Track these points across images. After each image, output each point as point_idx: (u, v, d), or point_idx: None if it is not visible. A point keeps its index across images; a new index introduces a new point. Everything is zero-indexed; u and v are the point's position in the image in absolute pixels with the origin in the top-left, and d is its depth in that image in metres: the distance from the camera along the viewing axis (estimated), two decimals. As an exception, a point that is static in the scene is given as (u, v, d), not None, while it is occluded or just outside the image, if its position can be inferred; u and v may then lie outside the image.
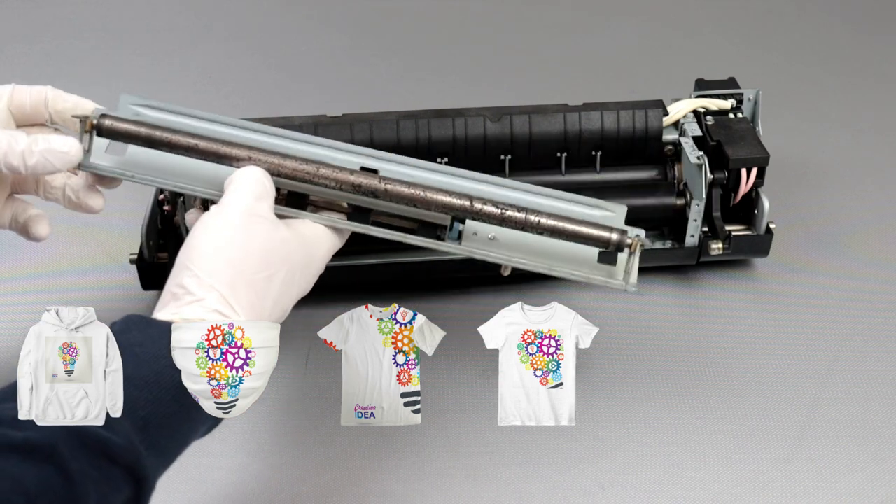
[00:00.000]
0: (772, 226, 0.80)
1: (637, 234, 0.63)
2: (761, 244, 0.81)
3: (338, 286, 0.81)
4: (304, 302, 0.80)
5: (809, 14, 1.29)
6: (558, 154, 0.82)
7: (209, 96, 1.12)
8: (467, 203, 0.63)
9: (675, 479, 0.67)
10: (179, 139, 0.63)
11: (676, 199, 0.81)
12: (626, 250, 0.63)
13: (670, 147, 0.83)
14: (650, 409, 0.72)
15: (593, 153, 0.83)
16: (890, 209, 0.93)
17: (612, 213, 0.64)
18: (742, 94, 0.85)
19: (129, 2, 1.33)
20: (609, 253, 0.64)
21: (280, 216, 0.62)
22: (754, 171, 0.79)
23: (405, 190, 0.63)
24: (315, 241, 0.60)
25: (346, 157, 0.64)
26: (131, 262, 0.77)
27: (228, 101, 1.11)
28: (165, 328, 0.49)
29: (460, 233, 0.65)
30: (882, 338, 0.78)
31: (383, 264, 0.80)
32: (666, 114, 0.82)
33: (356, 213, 0.64)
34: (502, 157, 0.82)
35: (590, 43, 1.23)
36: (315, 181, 0.63)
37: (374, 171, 0.64)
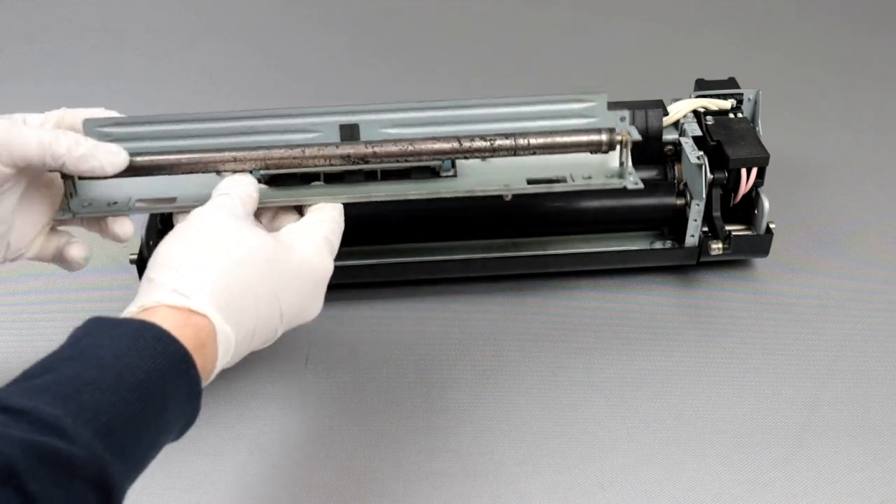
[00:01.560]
0: (772, 226, 0.80)
1: (623, 125, 0.66)
2: (761, 244, 0.81)
3: (338, 286, 0.81)
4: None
5: (809, 14, 1.29)
6: (558, 154, 0.82)
7: (209, 96, 1.12)
8: (456, 145, 0.64)
9: (675, 479, 0.67)
10: (160, 161, 0.63)
11: (676, 199, 0.81)
12: (618, 146, 0.66)
13: (670, 147, 0.83)
14: (650, 409, 0.72)
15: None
16: (890, 209, 0.93)
17: (593, 103, 0.66)
18: (742, 94, 0.85)
19: (129, 2, 1.33)
20: (603, 152, 0.67)
21: (275, 211, 0.63)
22: (754, 171, 0.78)
23: (393, 148, 0.64)
24: (302, 250, 0.59)
25: (324, 120, 0.65)
26: (131, 262, 0.77)
27: (228, 101, 1.11)
28: (126, 326, 0.48)
29: (453, 161, 0.67)
30: (882, 338, 0.78)
31: (383, 264, 0.80)
32: (666, 114, 0.82)
33: (349, 177, 0.66)
34: (502, 156, 0.82)
35: (590, 43, 1.23)
36: (304, 164, 0.64)
37: (355, 127, 0.65)
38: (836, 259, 0.87)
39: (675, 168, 0.83)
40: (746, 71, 0.94)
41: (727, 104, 0.84)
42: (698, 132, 0.82)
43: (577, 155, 0.67)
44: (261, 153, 0.63)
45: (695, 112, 0.84)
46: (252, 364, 0.76)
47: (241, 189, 0.61)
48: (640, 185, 0.67)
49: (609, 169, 0.68)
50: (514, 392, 0.74)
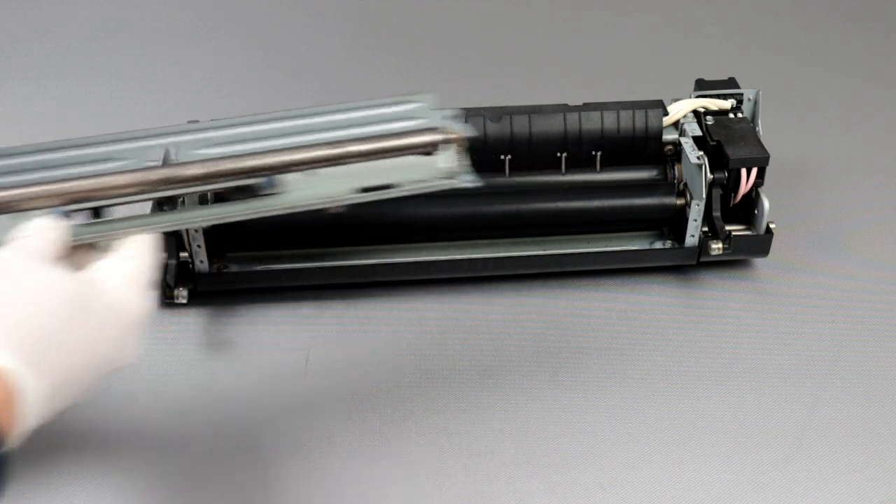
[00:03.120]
0: (772, 226, 0.80)
1: (451, 123, 0.62)
2: (761, 244, 0.81)
3: (338, 286, 0.81)
4: (304, 302, 0.80)
5: (809, 14, 1.29)
6: (558, 154, 0.82)
7: (209, 96, 1.12)
8: (268, 160, 0.60)
9: (675, 479, 0.67)
10: None
11: (676, 199, 0.81)
12: (449, 145, 0.62)
13: (670, 147, 0.83)
14: (650, 409, 0.72)
15: (593, 153, 0.83)
16: (890, 209, 0.93)
17: (418, 104, 0.64)
18: (742, 94, 0.85)
19: (129, 2, 1.33)
20: (433, 153, 0.62)
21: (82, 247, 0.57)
22: (754, 171, 0.79)
23: (198, 171, 0.59)
24: (113, 291, 0.53)
25: (131, 146, 0.62)
26: (131, 262, 0.76)
27: (228, 101, 1.11)
28: None
29: (273, 178, 0.61)
30: (882, 338, 0.78)
31: (382, 265, 0.80)
32: (666, 114, 0.83)
33: (163, 204, 0.62)
34: (502, 157, 0.82)
35: (590, 43, 1.23)
36: (111, 195, 0.59)
37: (166, 150, 0.61)
38: (836, 259, 0.87)
39: (675, 168, 0.83)
40: (746, 71, 0.94)
41: (727, 104, 0.84)
42: (698, 132, 0.82)
43: (412, 158, 0.63)
44: (57, 188, 0.57)
45: (695, 112, 0.84)
46: (252, 365, 0.76)
47: (41, 231, 0.54)
48: (479, 183, 0.63)
49: (442, 170, 0.63)
50: (515, 392, 0.74)
